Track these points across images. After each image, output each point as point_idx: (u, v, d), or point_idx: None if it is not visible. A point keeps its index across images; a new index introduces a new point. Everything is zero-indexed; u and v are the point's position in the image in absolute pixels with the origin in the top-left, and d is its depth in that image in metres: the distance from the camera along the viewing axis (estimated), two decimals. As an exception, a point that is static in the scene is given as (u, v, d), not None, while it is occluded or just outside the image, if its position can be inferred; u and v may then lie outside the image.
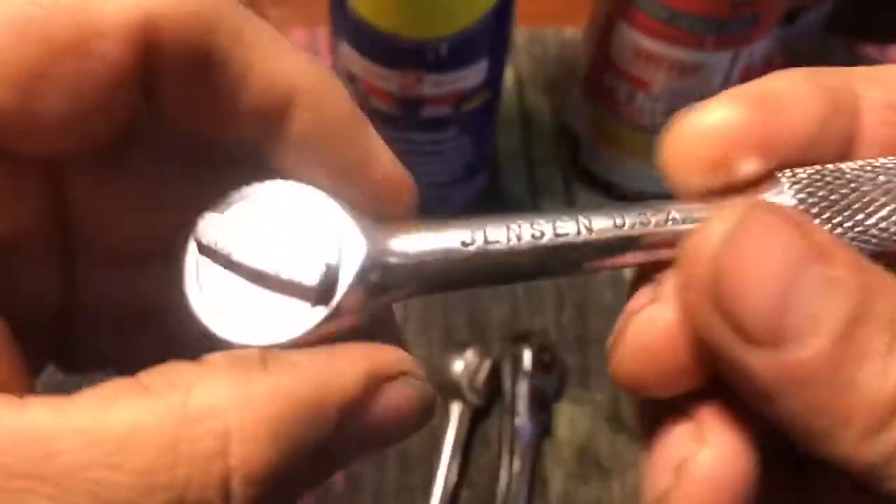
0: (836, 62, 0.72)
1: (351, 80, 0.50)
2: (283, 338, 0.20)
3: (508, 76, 0.66)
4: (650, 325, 0.21)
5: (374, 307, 0.22)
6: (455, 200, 0.58)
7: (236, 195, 0.22)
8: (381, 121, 0.51)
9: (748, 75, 0.51)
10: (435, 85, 0.48)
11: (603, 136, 0.57)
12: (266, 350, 0.19)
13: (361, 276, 0.21)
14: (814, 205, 0.22)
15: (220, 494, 0.17)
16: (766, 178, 0.22)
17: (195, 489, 0.16)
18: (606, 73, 0.53)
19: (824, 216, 0.21)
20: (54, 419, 0.16)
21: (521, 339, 0.53)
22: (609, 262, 0.23)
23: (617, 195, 0.60)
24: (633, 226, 0.23)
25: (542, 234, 0.22)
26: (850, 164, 0.22)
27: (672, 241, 0.22)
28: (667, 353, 0.21)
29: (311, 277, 0.20)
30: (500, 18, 0.47)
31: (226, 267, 0.21)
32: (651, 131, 0.54)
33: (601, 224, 0.23)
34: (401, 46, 0.46)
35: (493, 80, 0.51)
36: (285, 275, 0.20)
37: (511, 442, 0.50)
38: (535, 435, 0.51)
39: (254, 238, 0.21)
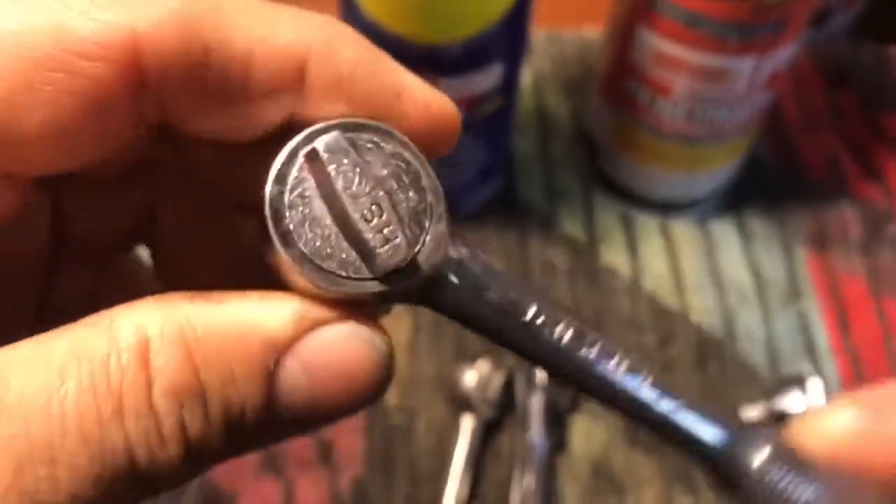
0: (864, 65, 0.71)
1: (363, 83, 0.49)
2: (332, 286, 0.20)
3: (526, 78, 0.64)
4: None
5: (409, 303, 0.21)
6: (468, 205, 0.57)
7: (320, 130, 0.20)
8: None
9: (774, 81, 0.49)
10: (449, 89, 0.47)
11: (623, 142, 0.56)
12: (195, 293, 0.20)
13: (428, 280, 0.21)
14: None
15: (146, 404, 0.18)
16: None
17: (130, 395, 0.18)
18: (627, 78, 0.52)
19: None
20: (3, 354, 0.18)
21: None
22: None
23: (636, 201, 0.59)
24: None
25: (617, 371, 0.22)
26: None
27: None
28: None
29: (386, 257, 0.19)
30: (516, 22, 0.46)
31: (308, 196, 0.20)
32: (672, 137, 0.52)
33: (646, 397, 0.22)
34: (414, 51, 0.45)
35: (509, 84, 0.49)
36: (362, 236, 0.19)
37: (524, 457, 0.49)
38: (549, 449, 0.49)
39: (346, 180, 0.20)
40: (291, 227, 0.20)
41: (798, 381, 0.50)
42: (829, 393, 0.52)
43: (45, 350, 0.18)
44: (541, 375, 0.50)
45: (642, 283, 0.57)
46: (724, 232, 0.59)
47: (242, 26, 0.20)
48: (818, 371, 0.53)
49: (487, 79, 0.47)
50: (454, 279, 0.21)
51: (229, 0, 0.20)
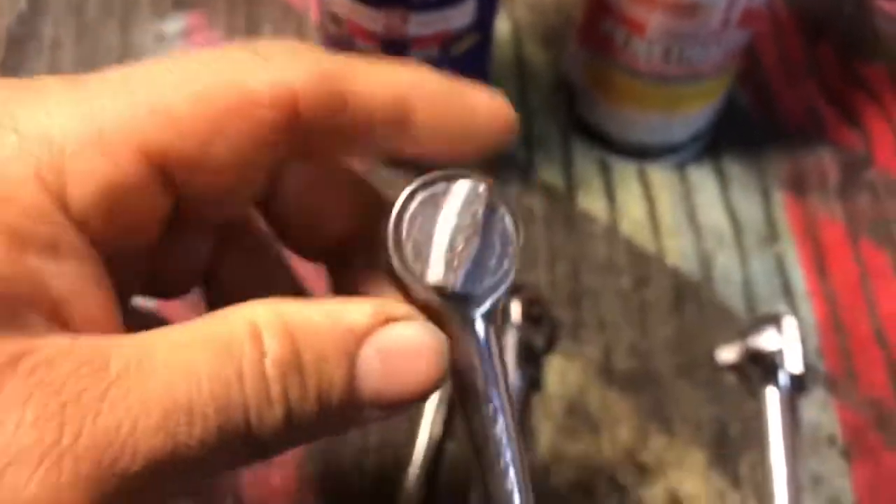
0: (845, 14, 0.70)
1: (335, 21, 0.49)
2: (400, 268, 0.24)
3: (505, 27, 0.64)
4: None
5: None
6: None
7: (475, 177, 0.25)
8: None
9: (748, 18, 0.49)
10: (421, 24, 0.47)
11: (599, 85, 0.55)
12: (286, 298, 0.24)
13: (459, 315, 0.25)
14: None
15: (261, 371, 0.22)
16: None
17: (247, 364, 0.22)
18: (603, 18, 0.52)
19: None
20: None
21: (511, 291, 0.51)
22: None
23: (614, 148, 0.58)
24: None
25: None
26: None
27: None
28: None
29: (437, 275, 0.24)
30: (489, -46, 0.46)
31: (432, 202, 0.25)
32: (648, 77, 0.52)
33: None
34: (384, -18, 0.45)
35: (483, 21, 0.49)
36: (437, 250, 0.24)
37: (498, 395, 0.49)
38: (523, 388, 0.49)
39: (463, 214, 0.24)
40: (412, 206, 0.24)
41: (774, 320, 0.50)
42: (805, 334, 0.52)
43: (172, 334, 0.22)
44: (515, 315, 0.50)
45: (620, 229, 0.57)
46: (702, 177, 0.59)
47: (366, 78, 0.25)
48: (795, 313, 0.53)
49: (461, 14, 0.47)
50: (470, 335, 0.25)
51: (354, 59, 0.25)
